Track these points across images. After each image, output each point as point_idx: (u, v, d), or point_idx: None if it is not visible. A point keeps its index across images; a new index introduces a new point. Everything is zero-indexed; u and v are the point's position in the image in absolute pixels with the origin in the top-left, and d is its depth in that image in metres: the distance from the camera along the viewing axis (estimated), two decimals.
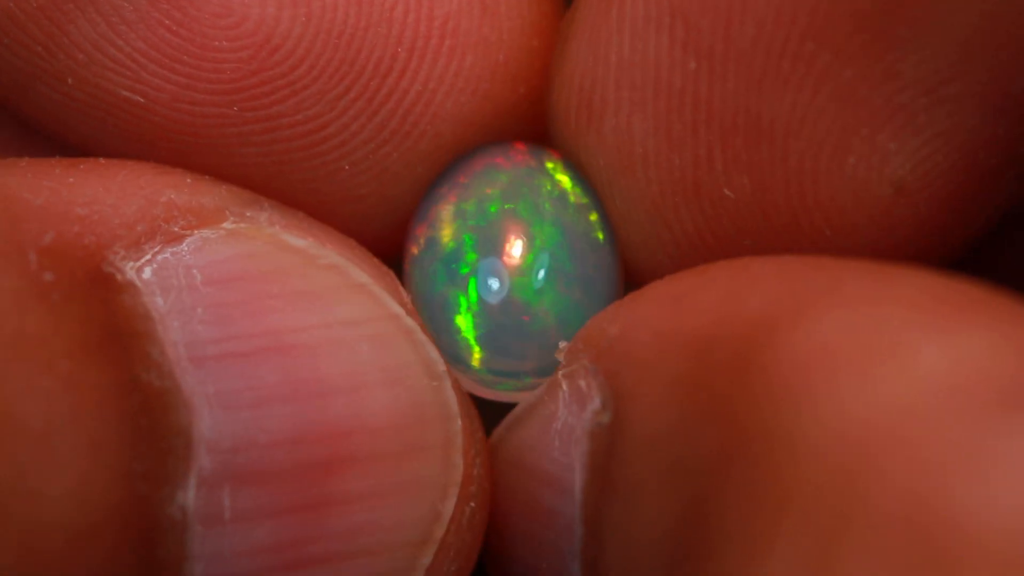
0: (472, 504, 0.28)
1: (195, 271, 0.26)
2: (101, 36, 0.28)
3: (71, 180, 0.27)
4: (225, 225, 0.27)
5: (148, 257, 0.26)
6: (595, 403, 0.28)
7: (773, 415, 0.23)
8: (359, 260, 0.28)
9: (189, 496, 0.25)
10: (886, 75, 0.27)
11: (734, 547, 0.22)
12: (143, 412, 0.25)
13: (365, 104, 0.29)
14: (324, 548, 0.26)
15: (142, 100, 0.29)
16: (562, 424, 0.28)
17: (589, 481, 0.27)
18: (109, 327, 0.25)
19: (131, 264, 0.26)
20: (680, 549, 0.25)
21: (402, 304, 0.28)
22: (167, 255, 0.26)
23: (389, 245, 0.32)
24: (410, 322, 0.27)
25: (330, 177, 0.30)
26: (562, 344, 0.30)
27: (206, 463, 0.25)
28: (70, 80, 0.29)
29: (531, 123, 0.32)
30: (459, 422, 0.28)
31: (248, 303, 0.26)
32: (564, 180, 0.31)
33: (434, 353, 0.28)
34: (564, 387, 0.29)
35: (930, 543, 0.20)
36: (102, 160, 0.28)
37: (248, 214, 0.27)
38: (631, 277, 0.32)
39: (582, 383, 0.28)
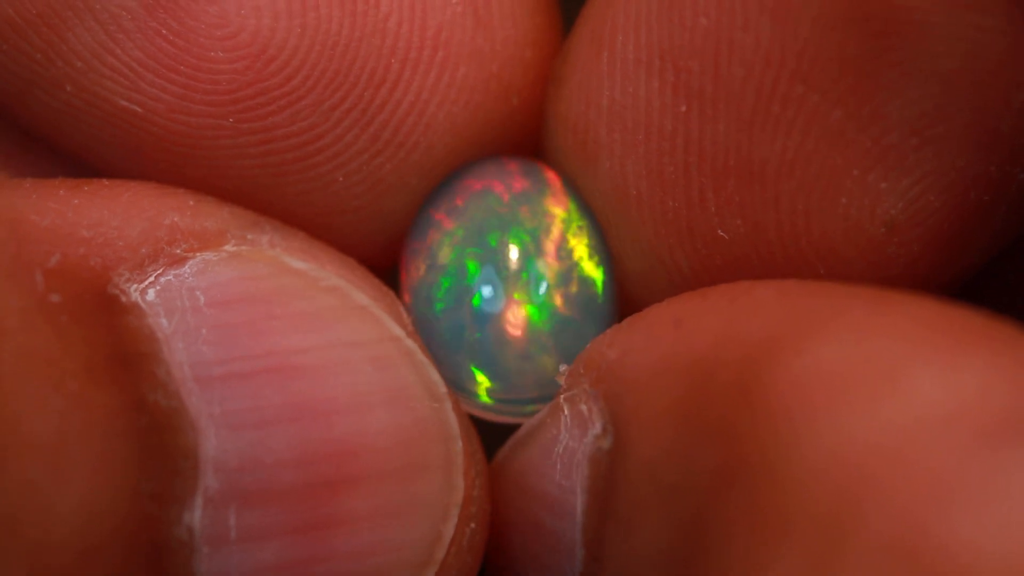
0: (472, 525, 0.28)
1: (198, 293, 0.26)
2: (99, 44, 0.28)
3: (76, 202, 0.27)
4: (227, 248, 0.27)
5: (152, 279, 0.26)
6: (596, 428, 0.28)
7: (773, 440, 0.23)
8: (360, 281, 0.28)
9: (196, 516, 0.25)
10: (874, 117, 0.27)
11: (734, 570, 0.22)
12: (151, 432, 0.25)
13: (359, 115, 0.30)
14: (329, 569, 0.26)
15: (139, 110, 0.29)
16: (563, 448, 0.28)
17: (590, 504, 0.27)
18: (115, 348, 0.25)
19: (135, 286, 0.26)
20: (680, 571, 0.25)
21: (402, 326, 0.28)
22: (170, 277, 0.26)
23: (384, 257, 0.32)
24: (411, 344, 0.28)
25: (324, 188, 0.30)
26: (563, 367, 0.31)
27: (212, 483, 0.25)
28: (68, 87, 0.29)
29: (524, 134, 0.32)
30: (460, 443, 0.28)
31: (251, 324, 0.26)
32: (558, 210, 0.31)
33: (434, 375, 0.28)
34: (565, 411, 0.29)
35: (925, 569, 0.20)
36: (106, 181, 0.28)
37: (249, 236, 0.27)
38: (629, 305, 0.32)
39: (583, 407, 0.28)
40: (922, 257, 0.29)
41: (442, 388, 0.28)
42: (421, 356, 0.28)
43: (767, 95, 0.28)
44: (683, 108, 0.28)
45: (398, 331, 0.28)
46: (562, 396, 0.29)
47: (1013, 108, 0.27)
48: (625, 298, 0.32)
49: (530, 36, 0.31)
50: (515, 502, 0.29)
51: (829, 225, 0.28)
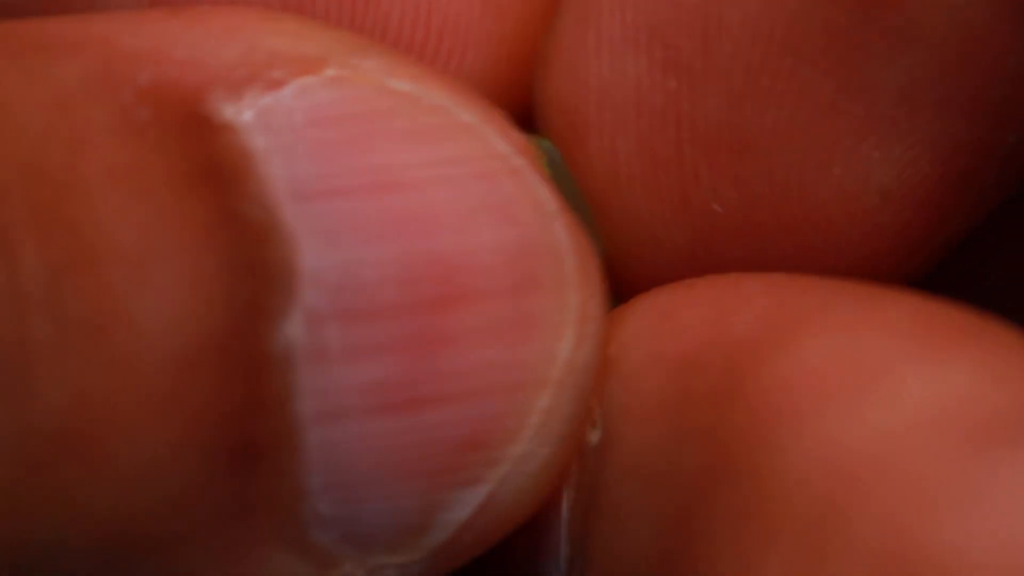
0: (588, 345, 0.27)
1: (296, 114, 0.25)
2: None
3: (172, 24, 0.26)
4: (328, 72, 0.26)
5: (248, 101, 0.25)
6: None
7: (760, 441, 0.23)
8: (467, 101, 0.27)
9: (295, 330, 0.24)
10: (864, 86, 0.27)
11: (722, 573, 0.23)
12: (245, 245, 0.24)
13: None
14: (436, 388, 0.25)
15: None
16: None
17: (576, 499, 0.27)
18: (208, 164, 0.24)
19: (231, 106, 0.25)
20: (665, 570, 0.25)
21: (512, 144, 0.27)
22: (268, 100, 0.25)
23: None
24: (519, 161, 0.27)
25: None
26: None
27: (312, 297, 0.24)
28: None
29: (526, 108, 0.32)
30: (572, 260, 0.27)
31: (352, 142, 0.25)
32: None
33: (544, 192, 0.27)
34: None
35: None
36: (205, 6, 0.27)
37: (352, 61, 0.26)
38: (622, 289, 0.32)
39: None
40: (915, 223, 0.29)
41: (552, 205, 0.27)
42: (530, 173, 0.27)
43: (757, 69, 0.28)
44: (672, 84, 0.28)
45: (505, 148, 0.27)
46: None
47: (1000, 74, 0.28)
48: (618, 285, 0.32)
49: (541, 16, 0.31)
50: None
51: (823, 195, 0.29)
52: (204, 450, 0.24)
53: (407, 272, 0.25)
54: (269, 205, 0.24)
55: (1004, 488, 0.20)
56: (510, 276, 0.26)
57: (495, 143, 0.26)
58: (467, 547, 0.26)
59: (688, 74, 0.28)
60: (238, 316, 0.24)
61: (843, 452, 0.22)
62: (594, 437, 0.27)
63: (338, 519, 0.25)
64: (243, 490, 0.24)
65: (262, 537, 0.25)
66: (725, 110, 0.28)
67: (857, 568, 0.21)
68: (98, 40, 0.25)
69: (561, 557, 0.28)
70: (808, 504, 0.22)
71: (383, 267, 0.25)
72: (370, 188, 0.25)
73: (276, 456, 0.24)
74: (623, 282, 0.32)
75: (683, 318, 0.27)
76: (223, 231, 0.24)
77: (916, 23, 0.27)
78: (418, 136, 0.26)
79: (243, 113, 0.25)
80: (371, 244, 0.25)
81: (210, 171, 0.24)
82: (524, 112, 0.31)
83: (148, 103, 0.24)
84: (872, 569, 0.20)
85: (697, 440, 0.24)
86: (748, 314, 0.25)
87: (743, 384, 0.24)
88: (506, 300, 0.26)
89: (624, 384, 0.27)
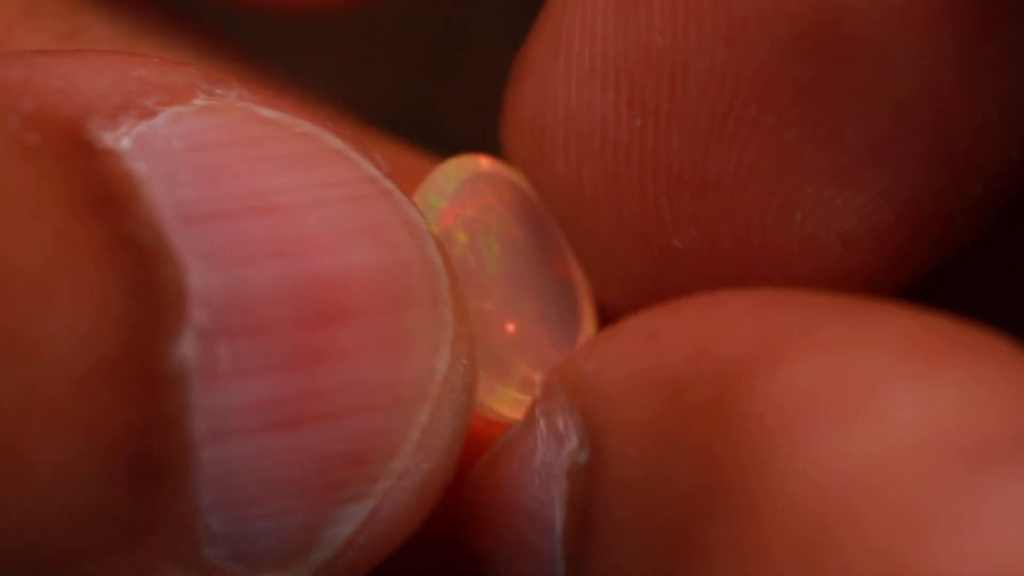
0: (464, 361, 0.28)
1: (174, 140, 0.26)
2: None
3: (44, 60, 0.27)
4: (197, 101, 0.27)
5: (124, 129, 0.26)
6: (572, 442, 0.28)
7: (753, 465, 0.23)
8: (331, 128, 0.28)
9: (187, 349, 0.25)
10: (829, 138, 0.27)
11: None
12: (139, 267, 0.25)
13: None
14: (319, 405, 0.26)
15: None
16: (540, 461, 0.28)
17: (569, 519, 0.28)
18: (97, 188, 0.25)
19: (109, 134, 0.26)
20: None
21: (379, 168, 0.28)
22: (143, 127, 0.26)
23: None
24: (388, 184, 0.27)
25: None
26: (537, 377, 0.31)
27: (201, 316, 0.25)
28: None
29: None
30: (446, 280, 0.27)
31: (230, 166, 0.26)
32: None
33: (415, 213, 0.28)
34: (541, 424, 0.29)
35: None
36: (69, 48, 0.28)
37: (218, 91, 0.27)
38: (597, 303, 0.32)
39: (559, 422, 0.28)
40: (877, 268, 0.29)
41: (424, 226, 0.28)
42: (400, 195, 0.27)
43: (722, 115, 0.27)
44: (638, 122, 0.28)
45: (374, 172, 0.27)
46: (537, 408, 0.29)
47: (967, 129, 0.27)
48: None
49: None
50: (494, 515, 0.30)
51: (784, 238, 0.28)
52: (107, 466, 0.24)
53: (288, 291, 0.26)
54: (157, 228, 0.25)
55: (996, 510, 0.20)
56: (387, 294, 0.26)
57: (365, 167, 0.27)
58: (354, 563, 0.27)
59: (654, 113, 0.28)
60: (135, 335, 0.24)
61: (834, 476, 0.22)
62: (582, 456, 0.27)
63: (229, 537, 0.25)
64: (144, 508, 0.25)
65: (161, 555, 0.25)
66: (689, 151, 0.28)
67: None
68: None
69: (558, 574, 0.28)
70: (801, 530, 0.22)
71: (266, 287, 0.25)
72: (249, 211, 0.26)
73: (173, 474, 0.25)
74: (596, 296, 0.32)
75: (671, 338, 0.27)
76: (118, 252, 0.24)
77: (883, 81, 0.27)
78: (291, 161, 0.26)
79: (121, 140, 0.25)
80: (254, 264, 0.25)
81: (102, 194, 0.25)
82: None
83: (35, 129, 0.25)
84: None
85: (689, 461, 0.24)
86: (736, 333, 0.25)
87: (733, 406, 0.24)
88: (384, 318, 0.26)
89: (611, 403, 0.27)
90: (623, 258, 0.30)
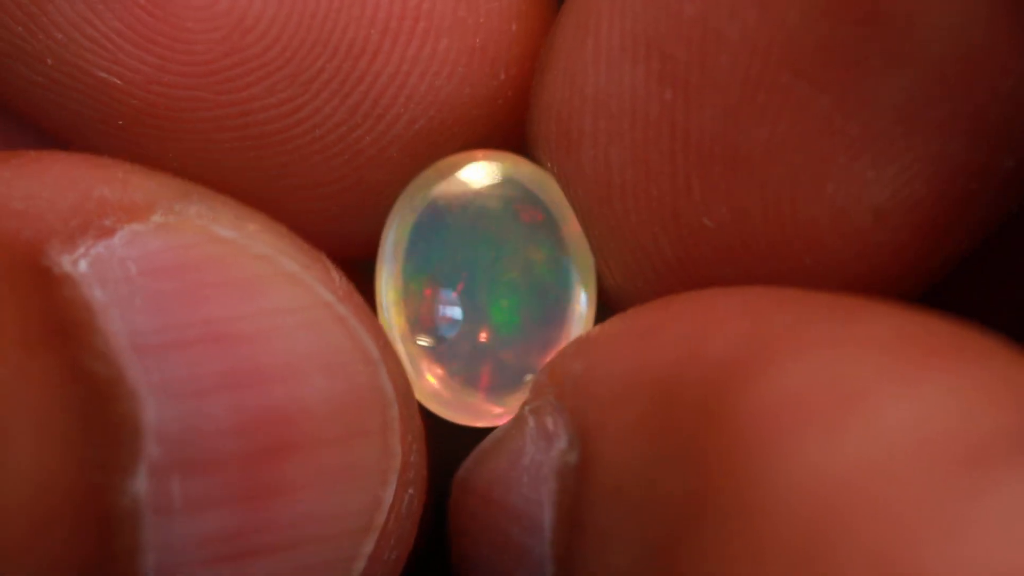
0: (411, 490, 0.28)
1: (129, 263, 0.26)
2: (79, 15, 0.28)
3: (7, 175, 0.27)
4: (154, 219, 0.27)
5: (83, 251, 0.26)
6: (562, 442, 0.28)
7: (743, 469, 0.23)
8: (289, 248, 0.28)
9: (140, 485, 0.25)
10: (861, 104, 0.27)
11: None
12: (91, 401, 0.25)
13: (338, 86, 0.29)
14: (272, 537, 0.26)
15: (119, 82, 0.29)
16: (530, 460, 0.28)
17: (558, 519, 0.27)
18: (51, 319, 0.25)
19: (67, 257, 0.26)
20: None
21: (334, 292, 0.28)
22: (100, 249, 0.26)
23: (365, 235, 0.32)
24: (343, 309, 0.27)
25: (303, 161, 0.30)
26: (528, 376, 0.30)
27: (154, 451, 0.25)
28: (49, 60, 0.29)
29: (513, 114, 0.32)
30: (396, 408, 0.28)
31: (184, 293, 0.26)
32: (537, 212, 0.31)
33: (368, 340, 0.28)
34: (531, 423, 0.29)
35: None
36: (34, 153, 0.28)
37: (176, 207, 0.27)
38: (612, 302, 0.32)
39: (548, 421, 0.28)
40: (909, 244, 0.29)
41: (376, 353, 0.28)
42: (354, 321, 0.28)
43: (753, 83, 0.27)
44: (668, 96, 0.28)
45: (329, 297, 0.27)
46: (527, 407, 0.29)
47: (1000, 96, 0.27)
48: (607, 298, 0.32)
49: (516, 8, 0.31)
50: (482, 515, 0.29)
51: (816, 212, 0.28)
52: None
53: (240, 424, 0.26)
54: (112, 360, 0.25)
55: (986, 514, 0.20)
56: (338, 425, 0.27)
57: (319, 292, 0.27)
58: None
59: (684, 86, 0.28)
60: (90, 471, 0.24)
61: (825, 480, 0.21)
62: (571, 457, 0.27)
63: None
64: None
65: None
66: (720, 123, 0.28)
67: None
68: None
69: (547, 574, 0.27)
70: (792, 534, 0.21)
71: (218, 420, 0.26)
72: (203, 341, 0.26)
73: None
74: (613, 294, 0.32)
75: (659, 338, 0.26)
76: (72, 387, 0.24)
77: (915, 42, 0.27)
78: (246, 286, 0.27)
79: (79, 264, 0.26)
80: (207, 396, 0.26)
81: (57, 324, 0.25)
82: (496, 108, 0.31)
83: None
84: None
85: (679, 464, 0.24)
86: (725, 333, 0.25)
87: (723, 409, 0.23)
88: (334, 449, 0.27)
89: (600, 404, 0.27)
90: (651, 244, 0.30)
